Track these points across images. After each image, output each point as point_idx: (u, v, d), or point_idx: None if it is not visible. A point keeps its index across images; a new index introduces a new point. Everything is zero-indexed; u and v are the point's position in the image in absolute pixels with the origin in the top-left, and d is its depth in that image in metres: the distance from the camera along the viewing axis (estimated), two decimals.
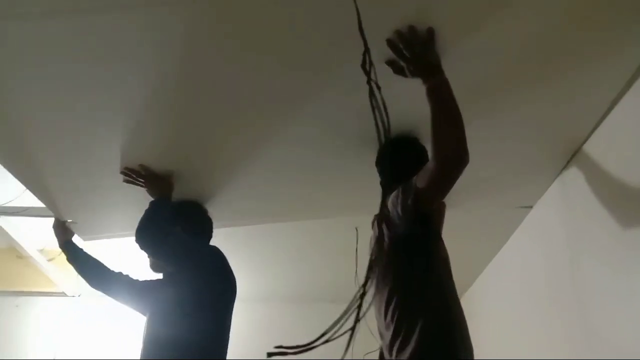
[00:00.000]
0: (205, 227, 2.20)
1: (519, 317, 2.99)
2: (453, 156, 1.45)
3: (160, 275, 2.14)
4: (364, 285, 0.94)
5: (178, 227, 2.01)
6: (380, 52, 1.50)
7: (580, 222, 2.25)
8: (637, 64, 1.71)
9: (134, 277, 2.22)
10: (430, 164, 1.49)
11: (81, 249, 2.30)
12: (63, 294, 4.22)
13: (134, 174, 2.02)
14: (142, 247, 1.95)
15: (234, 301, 2.04)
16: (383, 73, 1.56)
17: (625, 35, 1.59)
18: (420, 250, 1.63)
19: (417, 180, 1.54)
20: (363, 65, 1.16)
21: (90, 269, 2.24)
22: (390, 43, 1.50)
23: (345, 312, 0.92)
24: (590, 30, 1.56)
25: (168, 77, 1.61)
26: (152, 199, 2.01)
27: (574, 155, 2.23)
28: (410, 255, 1.62)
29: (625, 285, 1.89)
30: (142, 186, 2.03)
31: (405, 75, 1.55)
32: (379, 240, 1.57)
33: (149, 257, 2.06)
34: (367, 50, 1.15)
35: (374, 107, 1.07)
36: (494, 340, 3.23)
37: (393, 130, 1.85)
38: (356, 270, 2.00)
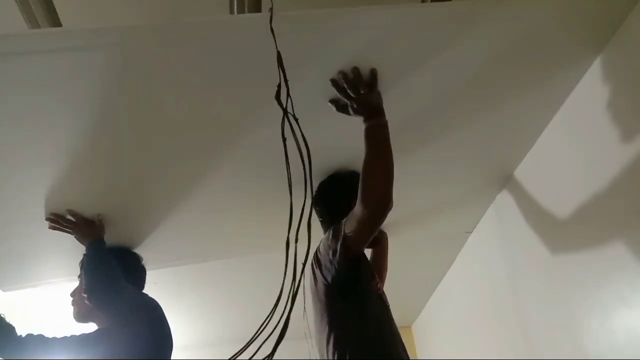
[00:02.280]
0: (142, 277, 2.10)
1: (467, 340, 3.03)
2: (378, 202, 1.47)
3: (84, 327, 1.99)
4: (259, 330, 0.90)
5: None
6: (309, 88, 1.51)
7: (515, 245, 2.32)
8: (565, 95, 1.80)
9: (50, 335, 1.91)
10: (356, 209, 1.51)
11: None
12: None
13: (61, 220, 1.92)
14: (94, 302, 1.83)
15: (171, 353, 1.94)
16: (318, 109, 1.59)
17: (555, 68, 1.68)
18: (353, 291, 1.63)
19: (345, 223, 1.56)
20: (277, 97, 1.14)
21: None
22: (334, 83, 1.53)
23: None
24: (522, 64, 1.64)
25: (94, 122, 1.56)
26: (81, 244, 1.90)
27: (506, 181, 2.30)
28: (344, 296, 1.62)
29: (559, 303, 1.95)
30: (69, 232, 1.93)
31: (348, 113, 1.58)
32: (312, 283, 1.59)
33: (100, 311, 1.89)
34: (285, 82, 1.14)
35: (285, 139, 1.06)
36: None
37: (333, 166, 1.92)
38: (304, 306, 1.96)
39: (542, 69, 1.68)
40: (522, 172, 2.20)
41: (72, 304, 1.95)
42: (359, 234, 1.55)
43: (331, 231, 1.61)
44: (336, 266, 1.58)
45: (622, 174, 1.54)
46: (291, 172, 1.11)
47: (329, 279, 1.62)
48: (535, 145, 2.05)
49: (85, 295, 1.83)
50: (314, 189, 1.92)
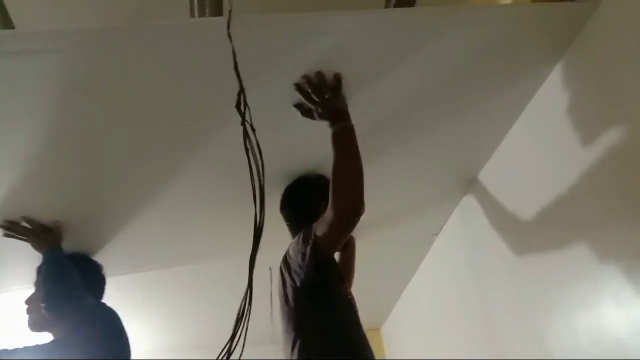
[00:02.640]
0: (101, 286, 2.04)
1: (436, 342, 3.05)
2: (350, 207, 1.46)
3: (40, 336, 1.91)
4: (231, 339, 0.88)
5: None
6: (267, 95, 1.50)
7: (480, 246, 2.35)
8: (528, 99, 1.82)
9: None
10: (327, 214, 1.50)
11: None
12: None
13: (16, 227, 1.85)
14: (52, 312, 1.77)
15: None
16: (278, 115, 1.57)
17: (518, 73, 1.70)
18: (322, 295, 1.62)
19: (316, 227, 1.55)
20: (237, 106, 1.12)
21: None
22: (298, 87, 1.51)
23: None
24: (485, 69, 1.66)
25: (50, 127, 1.51)
26: (37, 251, 1.85)
27: (471, 184, 2.32)
28: (313, 300, 1.61)
29: (524, 304, 1.99)
30: (25, 240, 1.86)
31: (313, 118, 1.57)
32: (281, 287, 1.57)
33: (57, 321, 1.81)
34: (242, 90, 1.13)
35: (247, 149, 1.04)
36: None
37: (299, 170, 1.91)
38: (272, 311, 1.94)
39: (505, 74, 1.70)
40: (487, 175, 2.23)
41: (27, 312, 1.88)
42: (330, 238, 1.54)
43: (301, 235, 1.60)
44: (305, 270, 1.57)
45: (584, 176, 1.57)
46: (256, 185, 1.09)
47: (298, 283, 1.60)
48: (499, 147, 2.08)
49: (43, 305, 1.77)
50: (282, 193, 1.91)
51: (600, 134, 1.49)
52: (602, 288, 1.51)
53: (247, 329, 0.91)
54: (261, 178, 1.05)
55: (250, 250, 0.99)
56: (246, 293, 0.94)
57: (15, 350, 1.77)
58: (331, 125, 1.52)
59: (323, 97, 1.52)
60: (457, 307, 2.68)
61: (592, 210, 1.55)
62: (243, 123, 1.11)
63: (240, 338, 0.91)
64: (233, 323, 0.98)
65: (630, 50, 1.37)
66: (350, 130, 1.51)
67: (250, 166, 1.03)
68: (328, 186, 1.87)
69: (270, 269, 2.21)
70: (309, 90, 1.51)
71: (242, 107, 1.13)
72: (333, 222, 1.48)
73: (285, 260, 1.67)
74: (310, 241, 1.54)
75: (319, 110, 1.54)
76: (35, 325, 1.87)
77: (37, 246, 1.86)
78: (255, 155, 1.04)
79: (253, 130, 1.12)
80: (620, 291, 1.43)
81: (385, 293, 3.61)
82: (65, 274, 1.82)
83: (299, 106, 1.58)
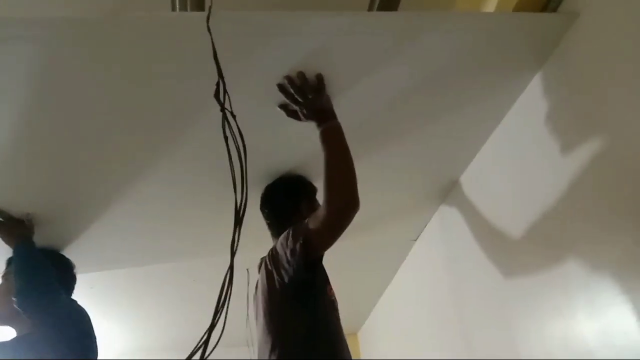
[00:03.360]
0: (71, 283, 1.99)
1: (412, 347, 3.06)
2: (345, 204, 1.44)
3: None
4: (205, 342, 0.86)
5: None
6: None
7: (457, 253, 2.36)
8: (508, 108, 1.84)
9: None
10: (321, 211, 1.47)
11: None
12: None
13: None
14: (24, 307, 1.71)
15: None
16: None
17: (500, 80, 1.71)
18: (308, 295, 1.59)
19: (308, 225, 1.51)
20: (216, 96, 1.12)
21: None
22: (281, 88, 1.51)
23: None
24: (464, 77, 1.66)
25: (21, 118, 1.48)
26: (7, 244, 1.80)
27: (450, 191, 2.33)
28: (298, 300, 1.58)
29: (499, 311, 2.00)
30: None
31: (298, 119, 1.57)
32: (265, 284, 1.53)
33: (27, 316, 1.75)
34: (221, 79, 1.12)
35: (226, 137, 1.03)
36: None
37: (279, 170, 1.90)
38: (247, 313, 1.91)
39: (485, 81, 1.71)
40: (465, 182, 2.24)
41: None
42: (324, 236, 1.50)
43: (290, 231, 1.55)
44: (294, 267, 1.53)
45: (561, 185, 1.58)
46: (235, 172, 1.07)
47: (286, 280, 1.56)
48: (478, 155, 2.09)
49: (15, 299, 1.71)
50: (261, 192, 1.90)
51: (579, 142, 1.50)
52: (576, 297, 1.52)
53: (227, 314, 0.89)
54: (244, 162, 1.04)
55: (230, 246, 0.97)
56: (226, 276, 0.91)
57: None
58: (319, 126, 1.51)
59: (307, 98, 1.51)
60: (434, 312, 2.68)
61: (568, 220, 1.56)
62: (222, 110, 1.10)
63: (219, 323, 0.89)
64: (209, 324, 0.95)
65: (609, 60, 1.38)
66: (338, 128, 1.50)
67: (229, 152, 1.03)
68: (308, 186, 1.89)
69: (247, 270, 2.19)
70: (292, 91, 1.50)
71: (221, 96, 1.12)
72: (328, 219, 1.46)
73: (272, 256, 1.63)
74: (302, 238, 1.50)
75: (304, 111, 1.53)
76: (0, 318, 1.81)
77: (7, 239, 1.82)
78: (236, 140, 1.03)
79: (233, 116, 1.11)
80: (593, 301, 1.45)
81: (363, 298, 3.61)
82: (40, 269, 1.77)
83: (283, 107, 1.58)
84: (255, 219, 1.86)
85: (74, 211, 1.92)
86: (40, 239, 1.88)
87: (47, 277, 1.77)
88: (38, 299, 1.73)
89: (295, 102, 1.53)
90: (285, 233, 1.58)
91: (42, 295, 1.74)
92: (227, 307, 0.91)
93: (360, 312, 3.88)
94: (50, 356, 1.68)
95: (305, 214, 1.66)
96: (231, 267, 0.91)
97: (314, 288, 1.61)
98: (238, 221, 0.96)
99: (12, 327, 1.81)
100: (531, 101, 1.73)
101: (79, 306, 1.86)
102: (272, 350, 1.54)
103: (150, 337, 3.64)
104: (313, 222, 1.50)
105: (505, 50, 1.59)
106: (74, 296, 1.96)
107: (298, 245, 1.50)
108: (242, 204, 0.98)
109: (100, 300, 2.86)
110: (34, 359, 1.70)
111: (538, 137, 1.68)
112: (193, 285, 2.89)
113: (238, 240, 0.96)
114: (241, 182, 1.01)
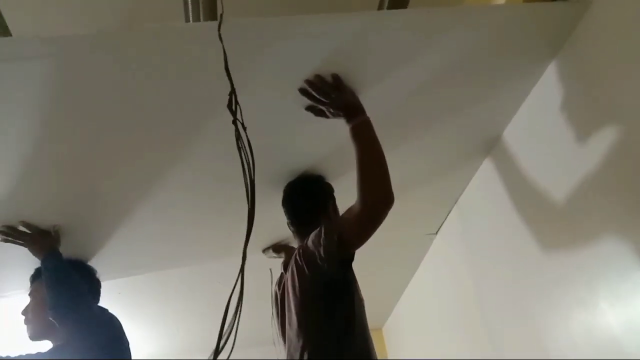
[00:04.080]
0: (97, 290, 2.04)
1: (436, 342, 3.05)
2: (379, 199, 1.43)
3: (38, 345, 1.91)
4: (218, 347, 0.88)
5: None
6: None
7: (477, 246, 2.35)
8: (523, 99, 1.82)
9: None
10: (356, 207, 1.46)
11: None
12: None
13: (14, 232, 1.84)
14: (59, 319, 1.74)
15: None
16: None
17: (512, 72, 1.70)
18: (343, 294, 1.58)
19: (342, 222, 1.51)
20: (229, 106, 1.13)
21: None
22: (303, 92, 1.52)
23: None
24: (479, 69, 1.65)
25: (45, 130, 1.51)
26: (35, 257, 1.84)
27: (464, 188, 2.33)
28: (334, 298, 1.57)
29: (522, 305, 1.99)
30: (22, 245, 1.86)
31: (327, 117, 1.57)
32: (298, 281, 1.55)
33: (62, 327, 1.78)
34: (233, 91, 1.14)
35: (240, 148, 1.05)
36: None
37: (297, 169, 1.92)
38: (272, 312, 1.93)
39: (498, 73, 1.70)
40: (485, 174, 2.22)
41: (26, 323, 1.86)
42: (359, 234, 1.48)
43: (323, 228, 1.53)
44: (327, 265, 1.51)
45: (580, 175, 1.56)
46: (247, 180, 1.09)
47: (320, 277, 1.55)
48: (489, 156, 2.09)
49: (50, 312, 1.74)
50: (281, 191, 1.92)
51: (593, 132, 1.49)
52: (599, 287, 1.51)
53: (239, 320, 0.91)
54: (252, 172, 1.06)
55: (242, 254, 1.00)
56: (234, 283, 0.94)
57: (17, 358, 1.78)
58: (348, 122, 1.51)
59: (330, 97, 1.52)
60: (457, 306, 2.68)
61: (590, 210, 1.54)
62: (235, 122, 1.11)
63: (233, 329, 0.91)
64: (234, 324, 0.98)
65: (623, 48, 1.37)
66: (367, 123, 1.49)
67: (242, 164, 1.04)
68: (327, 186, 1.90)
69: (270, 270, 2.21)
70: (314, 93, 1.52)
71: (233, 107, 1.14)
72: (364, 216, 1.44)
73: (303, 254, 1.60)
74: (336, 235, 1.48)
75: (331, 109, 1.54)
76: (36, 334, 1.85)
77: (35, 251, 1.85)
78: (246, 152, 1.05)
79: (244, 128, 1.12)
80: (616, 290, 1.44)
81: (387, 293, 3.61)
82: (70, 279, 1.80)
83: (310, 108, 1.59)
84: (274, 220, 1.89)
85: (97, 220, 1.96)
86: (65, 249, 1.91)
87: (78, 288, 1.81)
88: (72, 310, 1.76)
89: (320, 103, 1.54)
90: (317, 230, 1.56)
91: (76, 306, 1.77)
92: (240, 308, 0.94)
93: (384, 308, 3.88)
94: None
95: (332, 215, 1.67)
96: (242, 270, 0.94)
97: (348, 285, 1.60)
98: (248, 232, 0.99)
99: (49, 340, 1.84)
100: (544, 92, 1.72)
101: (110, 313, 1.90)
102: (304, 348, 1.53)
103: (178, 339, 3.69)
104: (347, 219, 1.49)
105: (518, 42, 1.58)
106: (104, 303, 2.00)
107: (333, 243, 1.48)
108: (250, 215, 1.01)
109: (128, 306, 2.91)
110: None
111: (552, 127, 1.66)
112: (218, 286, 2.91)
113: (245, 252, 0.99)
114: (247, 195, 1.03)
